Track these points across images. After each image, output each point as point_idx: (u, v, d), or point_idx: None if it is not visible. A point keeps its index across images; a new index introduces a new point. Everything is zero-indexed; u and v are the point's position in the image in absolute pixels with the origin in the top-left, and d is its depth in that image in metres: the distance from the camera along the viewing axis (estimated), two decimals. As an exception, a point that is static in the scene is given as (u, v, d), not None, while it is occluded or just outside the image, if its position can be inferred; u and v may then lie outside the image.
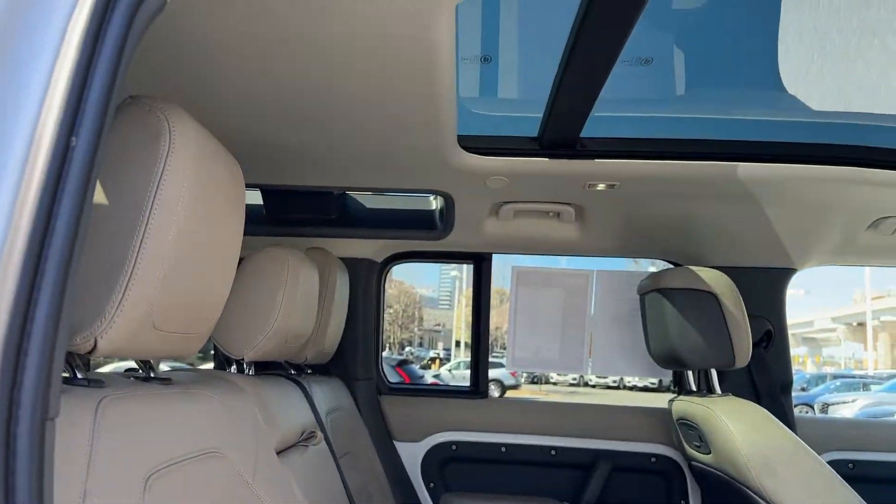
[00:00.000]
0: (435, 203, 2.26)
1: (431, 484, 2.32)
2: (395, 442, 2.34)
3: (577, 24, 1.15)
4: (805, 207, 1.93)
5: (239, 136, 1.51)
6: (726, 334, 1.85)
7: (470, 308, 2.50)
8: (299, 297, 1.42)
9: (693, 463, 2.04)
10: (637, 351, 2.42)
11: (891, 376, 20.31)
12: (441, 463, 2.34)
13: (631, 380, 22.11)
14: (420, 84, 1.25)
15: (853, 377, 20.14)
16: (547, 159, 1.72)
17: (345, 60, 1.17)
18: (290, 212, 2.16)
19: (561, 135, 1.65)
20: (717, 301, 1.86)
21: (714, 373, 1.95)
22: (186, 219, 0.81)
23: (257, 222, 2.15)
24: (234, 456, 0.98)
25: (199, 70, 1.19)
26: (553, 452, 2.33)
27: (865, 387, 17.24)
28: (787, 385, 2.28)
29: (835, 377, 19.32)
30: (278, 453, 1.25)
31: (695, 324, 1.88)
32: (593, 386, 23.66)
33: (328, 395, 1.84)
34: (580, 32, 1.15)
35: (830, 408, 13.44)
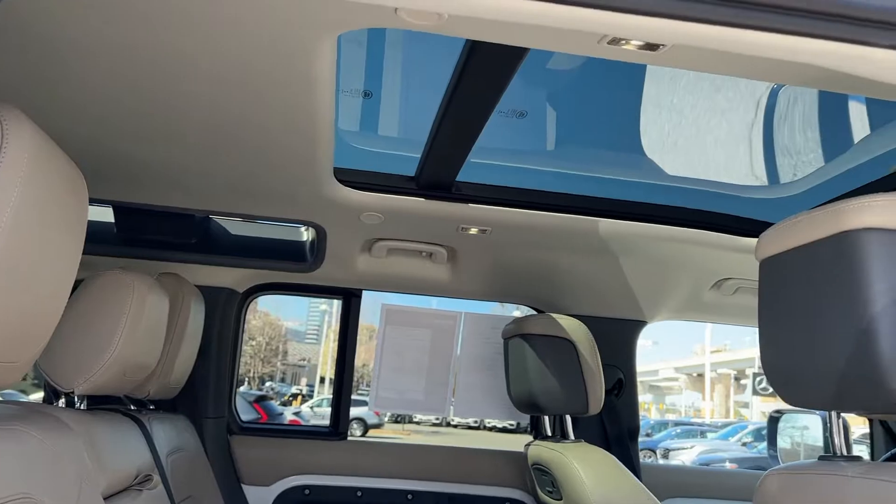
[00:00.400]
0: (306, 234, 2.20)
1: (281, 531, 2.20)
2: (243, 485, 2.20)
3: (458, 71, 1.17)
4: (656, 264, 2.06)
5: (90, 146, 1.39)
6: (581, 382, 1.92)
7: (336, 344, 2.43)
8: (143, 326, 1.31)
9: (544, 508, 2.07)
10: (498, 394, 2.45)
11: (725, 425, 22.11)
12: (293, 507, 2.23)
13: (491, 421, 22.60)
14: (297, 113, 1.21)
15: (692, 425, 21.73)
16: (423, 199, 1.72)
17: (218, 80, 1.11)
18: (145, 232, 2.01)
19: (437, 177, 1.66)
20: (575, 349, 1.93)
21: (569, 419, 2.01)
22: (15, 227, 0.72)
23: (106, 241, 1.98)
24: (49, 502, 0.87)
25: (47, 72, 1.09)
26: (409, 496, 2.29)
27: (702, 434, 18.66)
28: (634, 431, 2.39)
29: (675, 424, 20.75)
30: (106, 498, 1.12)
31: (553, 370, 1.93)
32: (455, 426, 23.85)
33: (171, 434, 1.70)
34: (461, 80, 1.17)
35: (671, 453, 14.38)
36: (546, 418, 2.16)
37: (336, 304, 2.51)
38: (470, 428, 23.81)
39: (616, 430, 2.36)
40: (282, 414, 15.09)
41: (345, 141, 1.92)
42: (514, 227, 1.84)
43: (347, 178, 1.66)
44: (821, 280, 0.93)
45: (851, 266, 0.87)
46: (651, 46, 0.93)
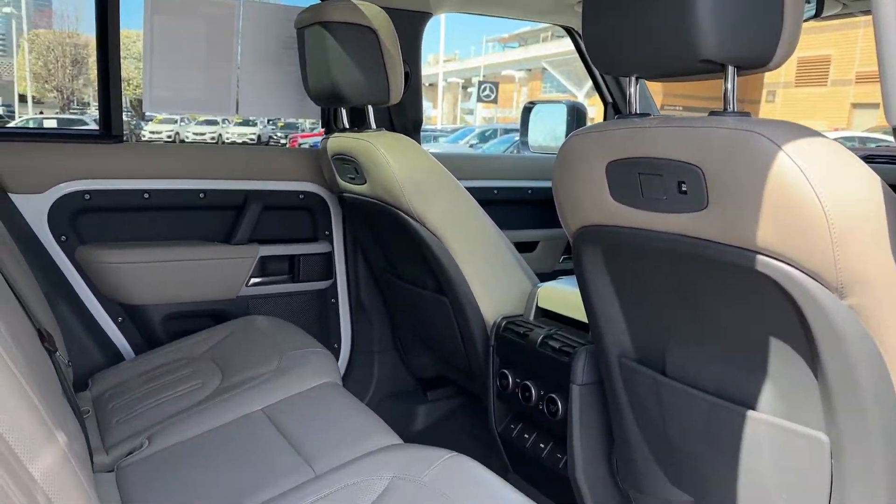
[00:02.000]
0: None
1: (63, 237, 2.07)
2: (10, 195, 1.98)
3: None
4: None
5: None
6: (384, 71, 1.94)
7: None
8: None
9: (345, 195, 2.21)
10: (286, 90, 2.39)
11: (453, 130, 24.20)
12: (73, 215, 2.08)
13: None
14: None
15: (425, 131, 23.37)
16: None
17: None
18: None
19: None
20: (377, 37, 1.91)
21: (371, 109, 2.05)
22: None
23: None
24: None
25: None
26: (202, 195, 2.26)
27: (435, 139, 20.33)
28: (418, 124, 2.54)
29: (411, 131, 22.14)
30: None
31: (355, 59, 1.91)
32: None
33: None
34: None
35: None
36: (343, 112, 2.19)
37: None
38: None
39: (402, 122, 2.49)
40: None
41: None
42: None
43: None
44: None
45: None
46: None
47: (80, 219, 2.10)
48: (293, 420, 1.58)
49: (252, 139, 23.75)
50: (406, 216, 1.89)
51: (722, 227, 1.05)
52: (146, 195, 2.18)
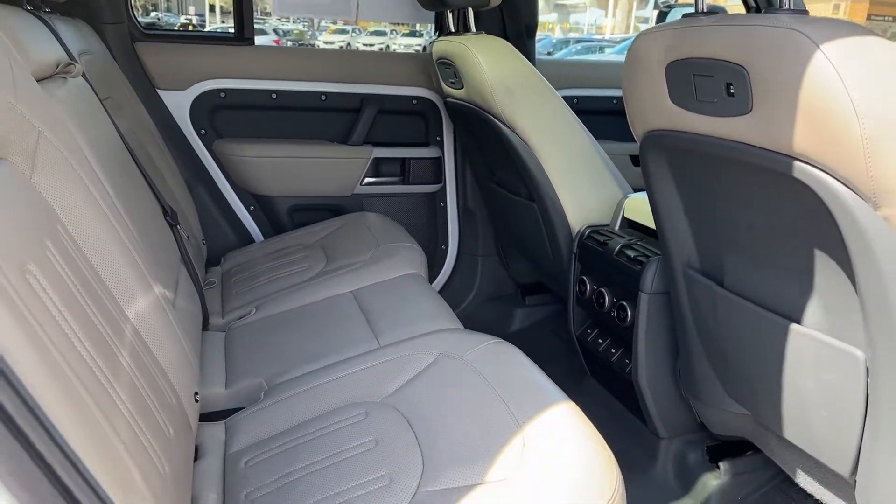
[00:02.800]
0: None
1: (202, 131, 2.35)
2: (158, 90, 2.26)
3: None
4: None
5: None
6: (484, -27, 1.95)
7: None
8: None
9: (448, 100, 2.28)
10: (403, -4, 2.47)
11: (622, 40, 22.81)
12: (211, 110, 2.35)
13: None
14: None
15: (592, 41, 22.26)
16: None
17: None
18: None
19: None
20: (479, -61, 1.91)
21: (471, 12, 2.08)
22: None
23: None
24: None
25: None
26: (323, 98, 2.44)
27: (601, 49, 19.31)
28: (532, 28, 2.52)
29: (577, 41, 21.20)
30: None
31: (456, -39, 1.94)
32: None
33: (76, 35, 1.68)
34: None
35: (569, 69, 15.04)
36: (450, 15, 2.23)
37: None
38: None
39: (515, 25, 2.47)
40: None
41: None
42: None
43: None
44: None
45: None
46: None
47: (216, 115, 2.36)
48: (374, 302, 1.75)
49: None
50: (497, 121, 1.94)
51: (764, 131, 1.02)
52: (273, 95, 2.39)
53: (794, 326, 1.17)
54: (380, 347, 1.51)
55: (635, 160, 2.61)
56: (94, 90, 1.52)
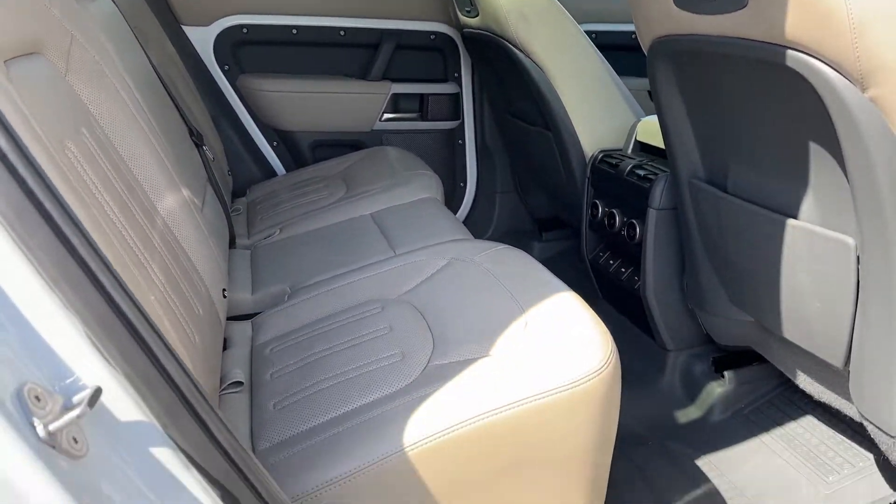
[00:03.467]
0: None
1: (226, 66, 2.41)
2: (182, 26, 2.33)
3: None
4: None
5: None
6: None
7: None
8: None
9: (465, 31, 2.31)
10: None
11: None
12: (233, 46, 2.41)
13: None
14: None
15: None
16: None
17: None
18: None
19: None
20: None
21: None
22: None
23: None
24: None
25: None
26: (342, 33, 2.48)
27: None
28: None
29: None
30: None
31: None
32: None
33: None
34: None
35: None
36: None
37: None
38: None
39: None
40: None
41: None
42: None
43: None
44: None
45: None
46: None
47: (239, 50, 2.42)
48: (391, 221, 1.82)
49: None
50: (512, 46, 1.97)
51: (759, 22, 1.05)
52: (294, 31, 2.44)
53: (790, 221, 1.21)
54: (395, 255, 1.59)
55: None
56: (123, 16, 1.59)
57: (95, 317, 0.59)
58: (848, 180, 1.05)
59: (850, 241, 1.10)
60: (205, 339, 1.09)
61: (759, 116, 1.22)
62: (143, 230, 1.04)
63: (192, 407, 0.67)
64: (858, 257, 1.10)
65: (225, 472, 0.69)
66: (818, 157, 1.11)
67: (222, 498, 0.69)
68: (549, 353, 1.06)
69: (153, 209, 1.15)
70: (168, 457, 0.66)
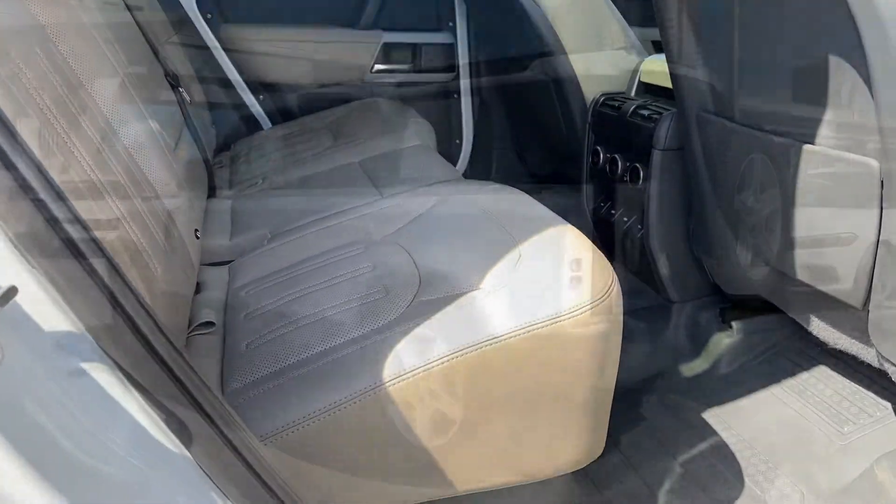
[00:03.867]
0: None
1: (209, 15, 2.29)
2: (162, -30, 2.21)
3: None
4: None
5: None
6: None
7: None
8: None
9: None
10: None
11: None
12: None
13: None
14: None
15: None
16: None
17: None
18: None
19: None
20: None
21: None
22: None
23: None
24: None
25: None
26: None
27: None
28: None
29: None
30: None
31: None
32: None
33: None
34: None
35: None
36: None
37: None
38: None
39: None
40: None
41: None
42: None
43: None
44: None
45: None
46: None
47: (222, -4, 2.30)
48: (380, 168, 1.72)
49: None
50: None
51: None
52: (279, -25, 2.31)
53: (807, 147, 1.11)
54: (382, 198, 1.49)
55: (657, 46, 2.50)
56: None
57: (25, 225, 0.53)
58: (871, 91, 0.95)
59: (874, 162, 1.00)
60: (169, 273, 1.00)
61: (770, 34, 1.12)
62: (100, 157, 0.94)
63: (136, 327, 0.58)
64: (882, 181, 1.01)
65: (170, 395, 0.61)
66: (837, 69, 1.01)
67: (167, 423, 0.61)
68: (544, 283, 0.96)
69: (112, 132, 1.05)
70: (102, 373, 0.58)
